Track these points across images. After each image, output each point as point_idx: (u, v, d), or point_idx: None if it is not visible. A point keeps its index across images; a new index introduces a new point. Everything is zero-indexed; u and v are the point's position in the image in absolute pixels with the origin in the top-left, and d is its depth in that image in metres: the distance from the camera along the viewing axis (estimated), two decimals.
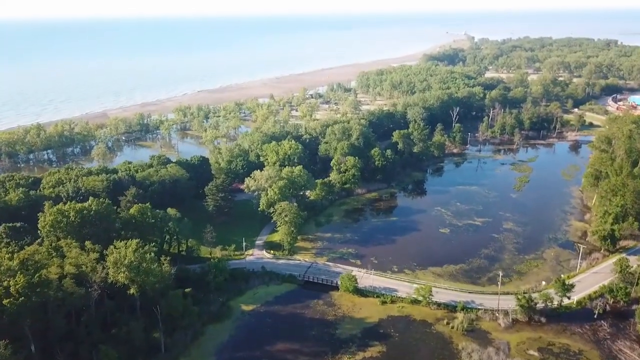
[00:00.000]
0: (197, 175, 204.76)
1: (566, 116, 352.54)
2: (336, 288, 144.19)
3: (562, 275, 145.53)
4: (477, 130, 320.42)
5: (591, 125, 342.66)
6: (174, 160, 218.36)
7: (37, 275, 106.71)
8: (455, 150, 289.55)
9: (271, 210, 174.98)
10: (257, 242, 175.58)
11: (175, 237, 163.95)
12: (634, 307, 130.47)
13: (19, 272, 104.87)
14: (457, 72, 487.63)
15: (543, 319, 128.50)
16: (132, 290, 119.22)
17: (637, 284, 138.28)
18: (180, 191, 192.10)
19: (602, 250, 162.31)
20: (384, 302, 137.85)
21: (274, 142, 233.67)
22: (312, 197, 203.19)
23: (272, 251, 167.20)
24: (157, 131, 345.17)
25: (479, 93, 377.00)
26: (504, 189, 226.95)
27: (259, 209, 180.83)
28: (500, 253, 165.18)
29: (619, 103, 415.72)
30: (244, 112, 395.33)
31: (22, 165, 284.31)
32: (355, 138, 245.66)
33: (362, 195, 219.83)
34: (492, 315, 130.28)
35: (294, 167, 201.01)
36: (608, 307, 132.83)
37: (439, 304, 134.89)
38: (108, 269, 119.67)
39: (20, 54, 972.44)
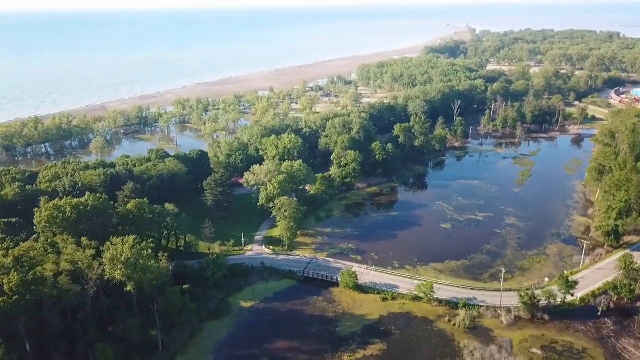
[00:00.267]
0: (195, 169, 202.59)
1: (568, 109, 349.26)
2: (336, 284, 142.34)
3: (565, 272, 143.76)
4: (478, 123, 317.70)
5: (594, 118, 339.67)
6: (172, 155, 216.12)
7: (31, 272, 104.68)
8: (456, 144, 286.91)
9: (271, 205, 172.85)
10: (257, 237, 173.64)
11: (173, 232, 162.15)
12: (638, 304, 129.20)
13: (12, 270, 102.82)
14: (458, 64, 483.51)
15: (546, 317, 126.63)
16: (129, 288, 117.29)
17: None
18: (179, 186, 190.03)
19: (605, 246, 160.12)
20: (384, 299, 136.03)
21: (273, 136, 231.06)
22: (312, 192, 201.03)
23: (271, 247, 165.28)
24: (156, 124, 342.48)
25: (480, 86, 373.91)
26: (506, 183, 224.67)
27: (259, 203, 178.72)
28: (503, 249, 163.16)
29: (621, 96, 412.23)
30: (244, 105, 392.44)
31: (20, 158, 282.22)
32: (355, 132, 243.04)
33: (363, 189, 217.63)
34: (494, 312, 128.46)
35: (293, 162, 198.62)
36: (612, 305, 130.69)
37: (440, 301, 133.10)
38: (104, 266, 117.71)
39: (19, 47, 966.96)
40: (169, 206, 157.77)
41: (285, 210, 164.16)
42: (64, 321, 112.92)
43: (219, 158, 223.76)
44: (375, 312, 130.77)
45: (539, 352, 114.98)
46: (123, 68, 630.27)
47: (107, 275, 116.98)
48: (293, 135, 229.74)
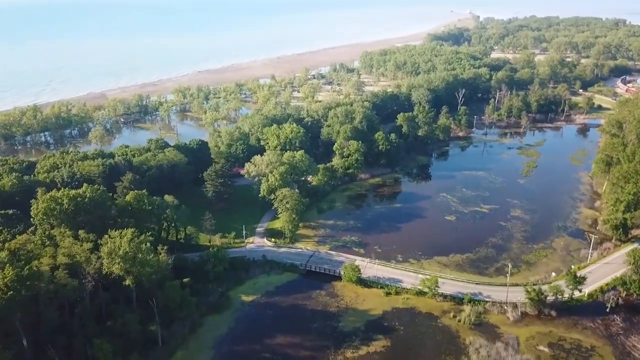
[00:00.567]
0: (195, 159, 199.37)
1: (574, 98, 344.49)
2: (339, 278, 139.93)
3: (573, 267, 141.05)
4: (483, 112, 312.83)
5: (600, 108, 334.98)
6: (172, 144, 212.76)
7: (27, 267, 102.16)
8: (460, 134, 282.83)
9: (272, 196, 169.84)
10: (258, 229, 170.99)
11: (173, 224, 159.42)
12: None
13: (7, 265, 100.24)
14: (462, 52, 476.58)
15: (553, 313, 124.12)
16: (127, 282, 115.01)
17: None
18: (179, 176, 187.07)
19: (613, 240, 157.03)
20: (388, 293, 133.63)
21: (275, 125, 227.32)
22: (314, 183, 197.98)
23: (273, 239, 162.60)
24: (156, 113, 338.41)
25: (485, 74, 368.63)
26: (511, 174, 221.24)
27: (260, 195, 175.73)
28: (508, 242, 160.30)
29: (628, 85, 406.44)
30: (245, 94, 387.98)
31: (19, 147, 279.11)
32: (358, 121, 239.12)
33: (366, 180, 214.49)
34: (500, 308, 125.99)
35: (295, 152, 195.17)
36: (621, 300, 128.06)
37: (445, 296, 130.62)
38: (102, 260, 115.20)
39: (18, 35, 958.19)
40: (168, 198, 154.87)
41: (287, 202, 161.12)
42: (61, 316, 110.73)
43: (219, 148, 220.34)
44: (379, 307, 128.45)
45: (546, 349, 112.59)
46: (124, 56, 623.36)
47: (105, 269, 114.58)
48: (295, 125, 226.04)
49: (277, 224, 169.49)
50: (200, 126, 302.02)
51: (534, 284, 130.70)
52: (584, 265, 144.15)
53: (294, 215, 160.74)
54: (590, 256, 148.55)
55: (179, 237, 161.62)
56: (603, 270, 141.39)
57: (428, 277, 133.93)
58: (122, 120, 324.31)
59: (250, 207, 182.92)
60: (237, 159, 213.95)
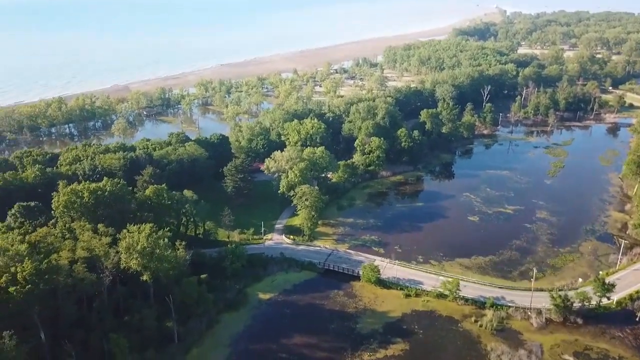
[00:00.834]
0: (216, 154, 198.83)
1: (604, 96, 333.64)
2: (357, 278, 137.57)
3: (601, 272, 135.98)
4: (509, 110, 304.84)
5: (631, 106, 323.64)
6: (193, 138, 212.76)
7: (46, 261, 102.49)
8: (485, 132, 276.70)
9: (291, 193, 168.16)
10: (277, 225, 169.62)
11: (192, 219, 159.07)
12: None
13: (26, 258, 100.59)
14: (488, 47, 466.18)
15: (579, 320, 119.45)
16: (145, 277, 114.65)
17: None
18: (199, 171, 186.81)
19: None
20: (407, 295, 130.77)
21: (295, 121, 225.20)
22: (334, 180, 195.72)
23: (291, 236, 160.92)
24: (179, 106, 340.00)
25: (511, 70, 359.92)
26: (537, 174, 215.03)
27: (279, 191, 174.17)
28: (533, 245, 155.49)
29: None
30: (267, 88, 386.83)
31: (44, 138, 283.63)
32: (380, 117, 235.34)
33: (387, 178, 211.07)
34: (523, 313, 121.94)
35: (315, 148, 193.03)
36: None
37: (466, 300, 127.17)
38: (120, 254, 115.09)
39: (48, 27, 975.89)
40: (187, 192, 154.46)
41: (306, 199, 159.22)
42: (79, 310, 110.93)
43: (240, 142, 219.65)
44: (398, 309, 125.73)
45: (571, 358, 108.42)
46: (149, 50, 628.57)
47: (123, 264, 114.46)
48: (315, 121, 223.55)
49: (296, 221, 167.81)
50: (222, 120, 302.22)
51: (559, 290, 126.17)
52: (612, 271, 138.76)
53: (313, 213, 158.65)
54: (620, 262, 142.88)
55: (197, 232, 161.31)
56: (633, 277, 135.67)
57: (449, 279, 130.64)
58: (144, 113, 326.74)
59: (269, 203, 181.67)
60: (257, 154, 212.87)
